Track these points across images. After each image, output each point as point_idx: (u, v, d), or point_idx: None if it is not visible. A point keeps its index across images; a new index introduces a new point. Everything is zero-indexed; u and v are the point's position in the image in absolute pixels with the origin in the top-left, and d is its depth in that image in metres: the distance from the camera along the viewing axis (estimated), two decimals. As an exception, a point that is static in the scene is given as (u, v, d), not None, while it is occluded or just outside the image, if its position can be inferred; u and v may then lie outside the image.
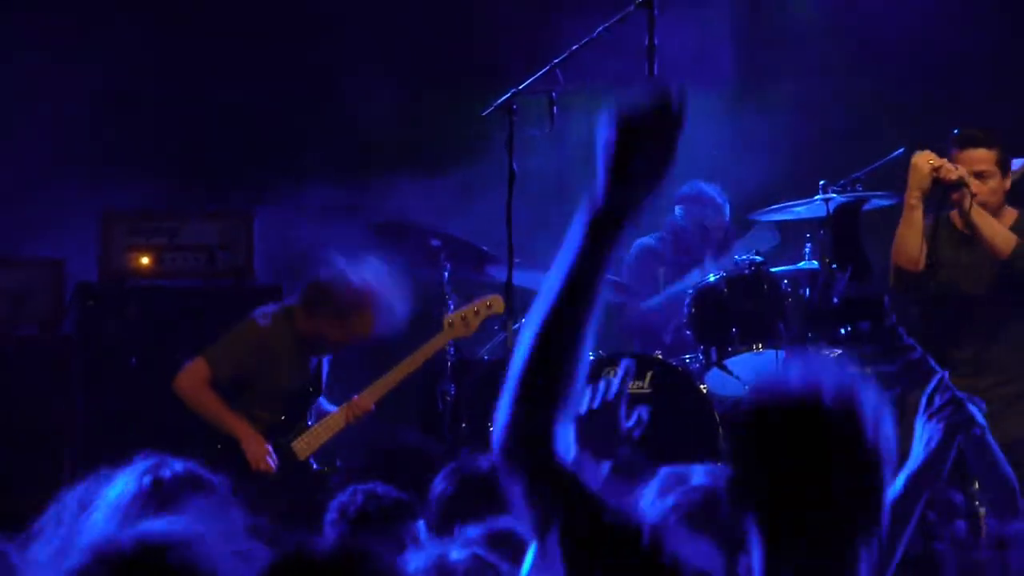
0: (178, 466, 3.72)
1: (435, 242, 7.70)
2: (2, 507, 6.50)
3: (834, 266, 7.87)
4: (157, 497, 3.56)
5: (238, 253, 8.21)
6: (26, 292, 8.21)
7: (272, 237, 8.70)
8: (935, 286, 7.21)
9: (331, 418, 7.26)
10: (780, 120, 9.68)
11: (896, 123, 9.57)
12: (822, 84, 9.93)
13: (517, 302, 7.50)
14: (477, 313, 7.59)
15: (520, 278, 7.53)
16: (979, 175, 7.00)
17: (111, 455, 4.52)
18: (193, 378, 7.06)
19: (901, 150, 7.88)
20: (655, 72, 8.59)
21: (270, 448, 6.96)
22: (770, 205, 8.40)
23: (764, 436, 2.49)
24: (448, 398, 7.64)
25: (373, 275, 7.31)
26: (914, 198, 7.01)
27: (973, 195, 7.05)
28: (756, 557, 2.52)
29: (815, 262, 8.12)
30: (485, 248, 7.87)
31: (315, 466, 7.50)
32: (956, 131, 7.28)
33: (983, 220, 7.15)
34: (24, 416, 7.90)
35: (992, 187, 7.04)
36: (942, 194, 6.99)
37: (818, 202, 7.86)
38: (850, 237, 8.27)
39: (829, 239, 8.14)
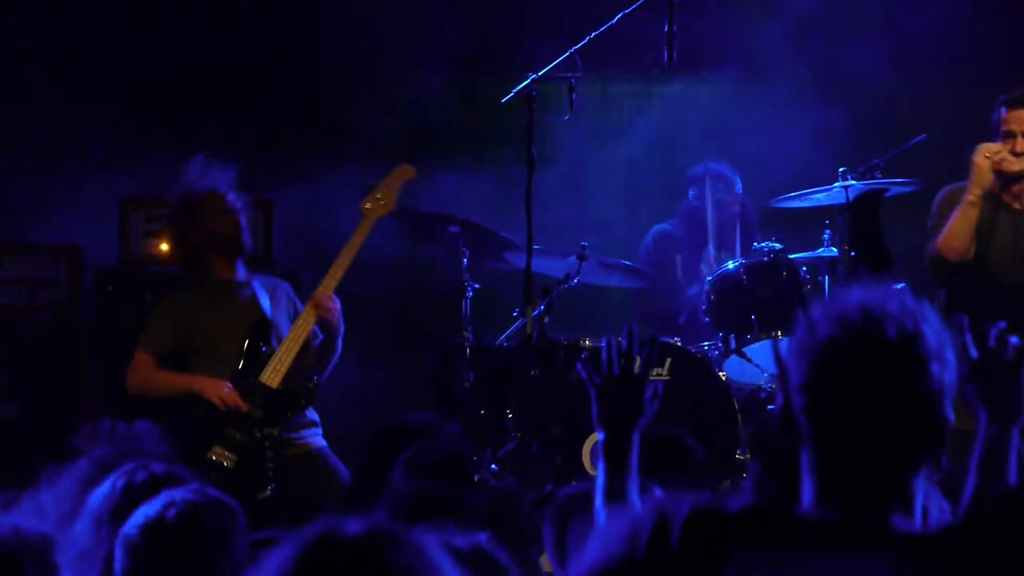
0: (157, 468, 3.81)
1: (453, 229, 7.57)
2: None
3: (853, 254, 7.89)
4: (129, 500, 3.62)
5: (257, 239, 7.92)
6: (44, 278, 8.25)
7: (295, 223, 8.75)
8: (981, 273, 7.17)
9: (294, 328, 7.14)
10: (801, 107, 9.56)
11: (921, 110, 9.49)
12: (845, 71, 9.75)
13: (536, 288, 7.56)
14: (390, 187, 7.51)
15: (539, 264, 7.56)
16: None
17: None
18: (138, 372, 7.02)
19: (923, 136, 7.95)
20: (674, 59, 8.70)
21: (228, 384, 6.84)
22: (795, 191, 8.43)
23: (829, 363, 2.50)
24: (467, 384, 7.56)
25: (187, 177, 7.21)
26: (975, 195, 7.02)
27: None
28: (808, 488, 2.56)
29: (834, 249, 8.11)
30: (504, 234, 7.81)
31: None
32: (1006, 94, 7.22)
33: None
34: (43, 402, 8.00)
35: None
36: (1004, 185, 7.01)
37: (837, 189, 7.85)
38: (870, 228, 8.15)
39: (849, 229, 8.11)
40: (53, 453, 5.15)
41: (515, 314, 7.74)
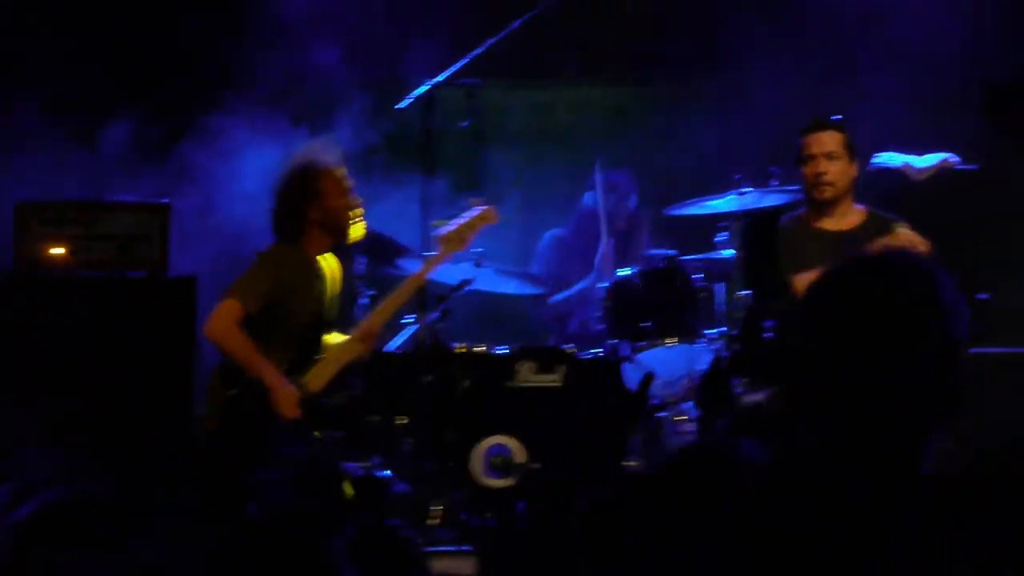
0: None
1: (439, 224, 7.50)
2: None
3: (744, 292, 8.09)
4: None
5: (152, 245, 7.90)
6: None
7: (193, 228, 8.64)
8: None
9: (340, 348, 7.13)
10: (702, 115, 9.64)
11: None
12: (746, 82, 9.55)
13: (431, 294, 7.64)
14: (471, 227, 7.45)
15: (435, 273, 7.54)
16: (827, 156, 7.17)
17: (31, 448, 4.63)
18: (225, 321, 6.83)
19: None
20: (574, 66, 8.71)
21: (295, 394, 6.79)
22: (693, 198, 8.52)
23: (845, 320, 2.64)
24: (356, 391, 7.53)
25: (293, 157, 7.21)
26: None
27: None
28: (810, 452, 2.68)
29: (731, 251, 8.16)
30: (399, 241, 7.83)
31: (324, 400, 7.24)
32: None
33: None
34: None
35: (841, 168, 7.18)
36: (819, 212, 7.25)
37: (732, 197, 7.99)
38: (762, 258, 8.09)
39: (741, 260, 8.28)
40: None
41: (409, 320, 7.83)
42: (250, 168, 8.84)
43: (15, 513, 3.46)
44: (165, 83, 9.77)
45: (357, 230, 7.18)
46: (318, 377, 6.81)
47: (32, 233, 7.83)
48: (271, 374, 6.62)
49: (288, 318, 6.87)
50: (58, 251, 7.72)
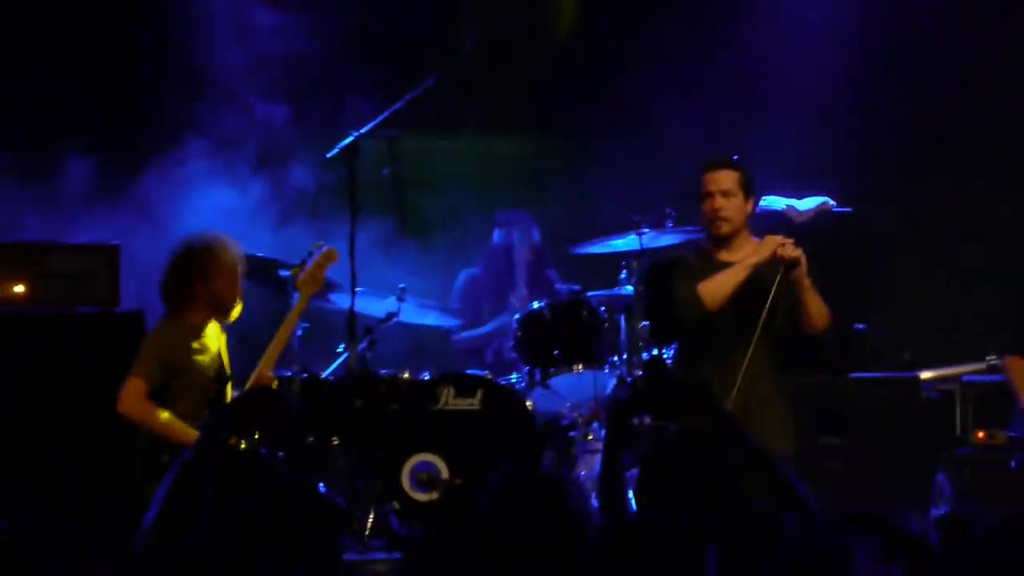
0: None
1: (284, 272, 7.91)
2: None
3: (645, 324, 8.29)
4: None
5: (103, 283, 8.22)
6: None
7: (140, 267, 8.62)
8: (719, 320, 7.41)
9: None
10: (604, 161, 10.11)
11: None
12: (653, 129, 9.93)
13: (359, 326, 8.07)
14: (320, 267, 7.76)
15: (362, 305, 8.09)
16: (724, 193, 7.34)
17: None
18: (134, 399, 7.10)
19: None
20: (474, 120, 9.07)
21: None
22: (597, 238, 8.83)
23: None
24: (295, 413, 7.80)
25: (180, 241, 7.42)
26: (752, 266, 7.34)
27: (805, 269, 7.36)
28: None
29: (629, 287, 8.54)
30: (329, 277, 7.96)
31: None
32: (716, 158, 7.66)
33: (813, 297, 7.40)
34: None
35: (736, 204, 7.36)
36: (777, 266, 7.29)
37: (632, 237, 8.35)
38: (662, 300, 7.85)
39: (642, 296, 8.38)
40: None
41: (340, 349, 8.23)
42: (201, 207, 9.25)
43: None
44: (123, 127, 9.97)
45: (237, 312, 7.53)
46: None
47: None
48: (186, 432, 6.93)
49: (189, 381, 7.15)
50: (17, 288, 8.00)
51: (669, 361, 7.79)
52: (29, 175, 9.58)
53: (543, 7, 10.84)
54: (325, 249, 7.70)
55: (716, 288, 7.25)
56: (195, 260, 7.21)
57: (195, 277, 7.18)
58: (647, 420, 7.27)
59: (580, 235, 9.02)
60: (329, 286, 8.02)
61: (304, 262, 7.72)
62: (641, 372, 7.50)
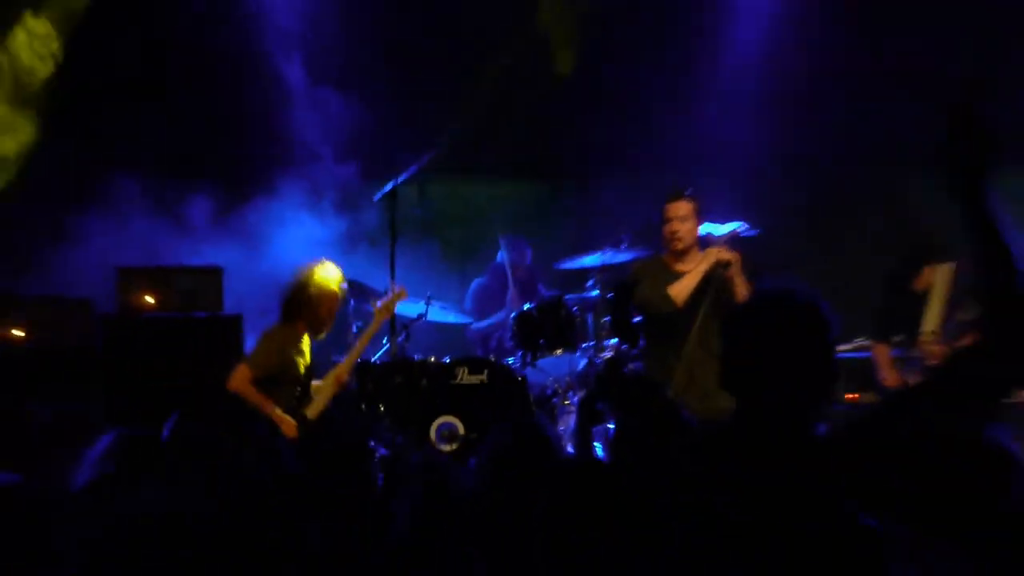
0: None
1: (343, 285, 8.20)
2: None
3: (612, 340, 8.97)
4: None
5: (211, 295, 9.19)
6: (63, 321, 9.03)
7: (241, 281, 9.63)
8: (677, 317, 7.88)
9: (323, 388, 7.97)
10: (579, 200, 11.16)
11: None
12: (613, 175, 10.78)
13: (397, 324, 8.81)
14: (392, 302, 8.27)
15: (399, 308, 8.66)
16: (680, 219, 7.90)
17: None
18: (239, 381, 7.71)
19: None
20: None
21: (294, 422, 7.63)
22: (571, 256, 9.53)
23: (756, 325, 3.29)
24: (351, 389, 8.43)
25: (304, 268, 7.93)
26: (704, 271, 7.81)
27: (738, 267, 7.82)
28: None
29: (596, 292, 9.29)
30: (377, 287, 8.78)
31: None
32: (674, 189, 8.05)
33: (742, 286, 7.85)
34: (77, 406, 8.47)
35: (689, 227, 7.93)
36: (718, 269, 7.78)
37: (597, 255, 9.12)
38: (623, 315, 7.73)
39: (610, 315, 8.64)
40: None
41: (384, 341, 8.94)
42: (289, 237, 10.28)
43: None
44: (233, 174, 10.78)
45: (323, 335, 8.01)
46: (313, 409, 7.76)
47: (130, 288, 9.05)
48: (274, 412, 7.54)
49: (286, 375, 7.75)
50: (148, 300, 9.06)
51: (636, 351, 8.28)
52: (162, 212, 10.39)
53: (538, 81, 11.09)
54: (398, 289, 8.30)
55: (681, 290, 7.75)
56: (310, 291, 7.85)
57: (307, 304, 7.84)
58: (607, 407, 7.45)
59: (562, 254, 9.75)
60: (375, 294, 8.59)
61: (385, 292, 8.37)
62: (603, 369, 8.01)
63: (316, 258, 8.21)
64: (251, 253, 10.14)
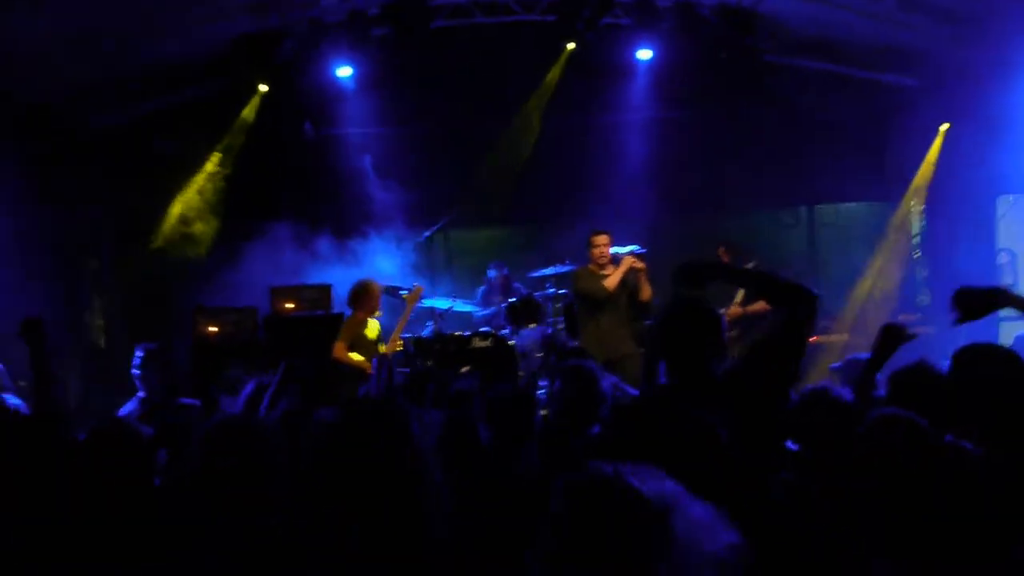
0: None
1: (402, 291, 9.27)
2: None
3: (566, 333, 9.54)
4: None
5: (325, 301, 10.01)
6: (239, 321, 9.82)
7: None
8: (605, 301, 8.77)
9: (387, 348, 8.64)
10: (547, 237, 11.20)
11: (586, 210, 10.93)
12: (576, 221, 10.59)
13: (435, 312, 9.97)
14: (415, 295, 9.09)
15: (435, 303, 9.95)
16: (604, 245, 8.79)
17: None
18: (339, 350, 8.58)
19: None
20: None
21: (368, 363, 8.31)
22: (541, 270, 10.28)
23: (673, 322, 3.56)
24: (410, 349, 9.39)
25: (357, 281, 8.81)
26: (623, 272, 8.61)
27: (643, 272, 8.61)
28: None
29: (552, 289, 10.26)
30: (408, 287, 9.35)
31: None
32: (595, 228, 8.94)
33: (646, 285, 8.61)
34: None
35: (607, 250, 8.85)
36: (629, 272, 8.60)
37: (552, 268, 10.18)
38: (570, 319, 9.78)
39: (563, 317, 10.07)
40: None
41: (429, 323, 10.12)
42: (367, 261, 11.02)
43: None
44: (338, 224, 11.47)
45: (376, 315, 8.63)
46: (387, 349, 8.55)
47: (277, 299, 10.01)
48: (363, 366, 8.28)
49: (362, 344, 8.63)
50: (290, 305, 10.03)
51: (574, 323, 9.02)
52: (299, 248, 11.04)
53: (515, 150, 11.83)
54: (418, 286, 9.33)
55: (611, 283, 8.70)
56: (361, 292, 8.88)
57: (360, 300, 8.86)
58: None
59: (531, 267, 10.71)
60: (421, 298, 9.55)
61: (410, 289, 9.30)
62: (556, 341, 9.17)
63: (368, 276, 9.19)
64: (349, 273, 10.44)
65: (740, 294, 9.77)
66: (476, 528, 3.42)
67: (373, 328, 8.85)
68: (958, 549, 2.82)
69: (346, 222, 11.43)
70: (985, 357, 3.34)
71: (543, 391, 7.81)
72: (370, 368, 8.03)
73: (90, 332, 10.92)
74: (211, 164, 11.37)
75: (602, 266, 8.82)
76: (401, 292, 9.35)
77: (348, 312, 9.17)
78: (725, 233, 10.62)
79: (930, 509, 2.88)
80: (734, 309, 9.77)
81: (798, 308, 3.54)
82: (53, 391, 4.70)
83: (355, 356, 8.59)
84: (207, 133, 11.18)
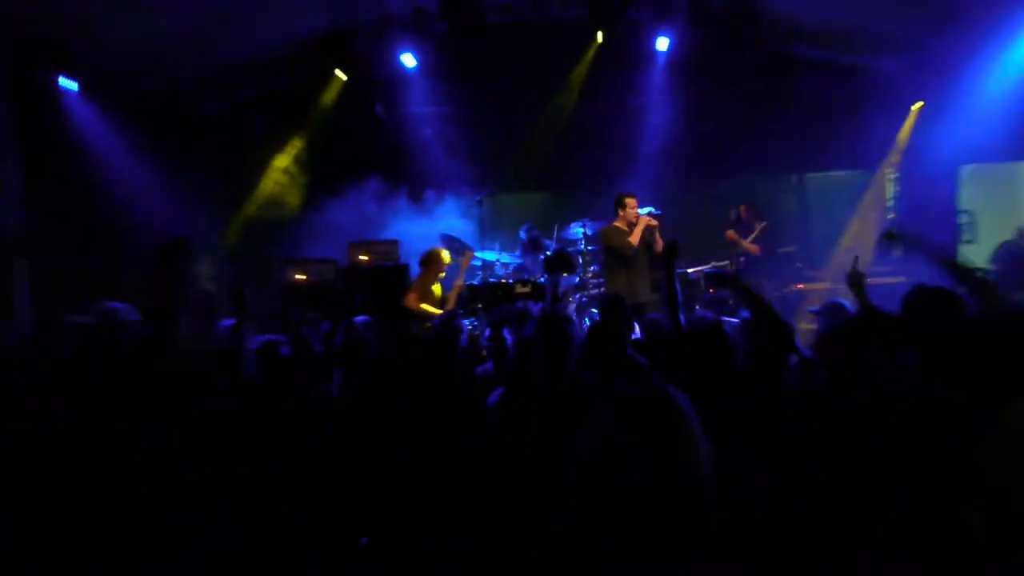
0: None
1: (447, 253, 8.77)
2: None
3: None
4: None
5: (393, 254, 9.95)
6: (323, 272, 9.59)
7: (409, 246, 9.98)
8: (632, 255, 8.31)
9: (450, 297, 8.46)
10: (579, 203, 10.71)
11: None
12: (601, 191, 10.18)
13: (486, 264, 9.82)
14: (468, 257, 8.88)
15: (486, 256, 9.82)
16: (634, 207, 8.38)
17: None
18: (412, 299, 8.26)
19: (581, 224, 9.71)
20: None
21: (437, 310, 8.12)
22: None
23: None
24: (463, 297, 9.03)
25: (429, 248, 8.56)
26: (643, 229, 8.23)
27: (658, 229, 8.28)
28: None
29: (581, 245, 9.72)
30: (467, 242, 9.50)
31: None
32: (623, 191, 8.55)
33: (659, 239, 8.17)
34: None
35: (636, 211, 8.44)
36: (647, 229, 8.22)
37: (580, 224, 9.74)
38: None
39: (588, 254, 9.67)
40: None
41: (479, 273, 9.80)
42: (435, 220, 10.96)
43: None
44: (411, 186, 11.43)
45: (440, 276, 8.26)
46: (448, 305, 8.28)
47: (355, 252, 9.89)
48: (428, 310, 8.06)
49: (431, 298, 8.30)
50: (364, 257, 9.87)
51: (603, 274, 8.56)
52: (374, 206, 11.07)
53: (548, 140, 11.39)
54: (469, 251, 9.17)
55: (635, 238, 8.32)
56: (432, 258, 8.58)
57: (430, 263, 8.53)
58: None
59: (563, 224, 10.43)
60: (473, 256, 9.30)
61: (463, 252, 9.15)
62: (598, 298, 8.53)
63: (436, 243, 9.13)
64: (416, 227, 10.78)
65: (754, 233, 9.87)
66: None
67: (437, 286, 8.61)
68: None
69: (413, 186, 11.41)
70: (926, 298, 3.28)
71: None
72: (434, 315, 8.05)
73: (201, 280, 10.49)
74: (297, 141, 11.19)
75: (630, 224, 8.45)
76: (456, 253, 9.21)
77: (415, 267, 9.01)
78: (727, 196, 10.77)
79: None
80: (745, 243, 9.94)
81: (773, 337, 3.49)
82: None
83: (425, 306, 8.36)
84: (293, 115, 11.06)
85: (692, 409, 2.11)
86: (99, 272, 7.68)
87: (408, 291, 8.35)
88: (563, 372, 3.51)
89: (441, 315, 6.30)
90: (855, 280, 4.48)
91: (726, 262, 10.06)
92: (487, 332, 5.28)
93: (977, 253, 9.95)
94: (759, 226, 10.15)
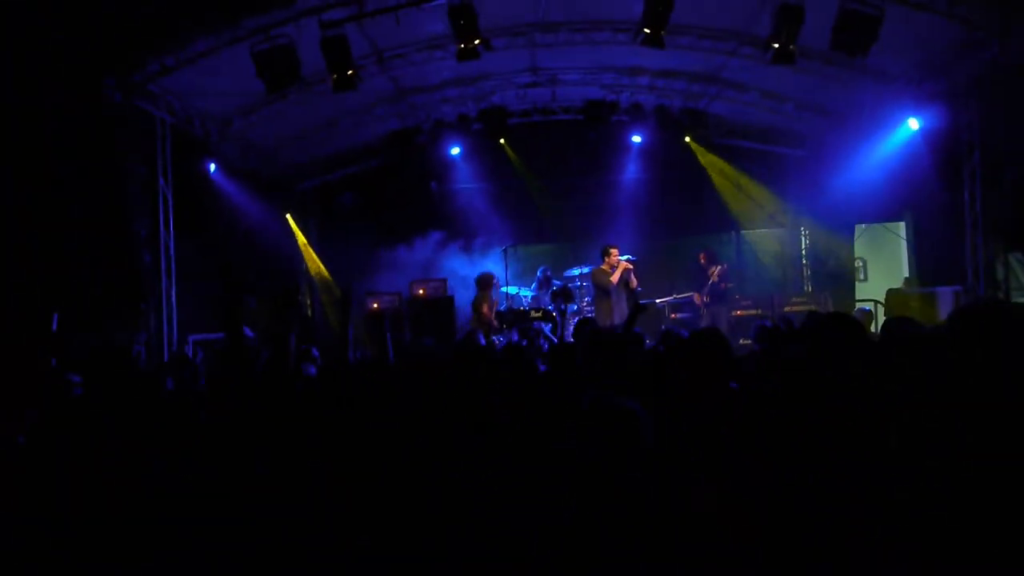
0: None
1: (496, 279, 9.13)
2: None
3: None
4: None
5: (443, 289, 10.04)
6: (392, 302, 9.86)
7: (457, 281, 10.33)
8: (613, 290, 8.28)
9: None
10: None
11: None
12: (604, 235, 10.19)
13: (510, 297, 9.92)
14: (614, 264, 8.28)
15: (506, 289, 9.78)
16: (616, 255, 8.34)
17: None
18: (476, 311, 8.87)
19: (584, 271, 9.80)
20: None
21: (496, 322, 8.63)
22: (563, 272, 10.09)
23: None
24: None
25: (481, 273, 9.03)
26: (621, 271, 8.23)
27: (632, 271, 8.33)
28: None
29: (578, 283, 9.95)
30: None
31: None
32: (607, 243, 8.59)
33: (632, 278, 8.28)
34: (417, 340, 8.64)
35: (617, 259, 8.40)
36: (624, 271, 8.25)
37: (577, 268, 9.99)
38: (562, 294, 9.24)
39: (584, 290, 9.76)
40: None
41: (504, 303, 9.80)
42: (469, 265, 11.20)
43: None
44: (457, 238, 11.54)
45: (488, 294, 8.60)
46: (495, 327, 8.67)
47: (414, 287, 9.91)
48: (492, 323, 8.54)
49: (490, 311, 8.81)
50: (421, 292, 9.89)
51: (592, 306, 8.61)
52: (428, 253, 11.29)
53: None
54: (496, 299, 9.15)
55: (615, 279, 8.32)
56: (486, 281, 9.14)
57: (485, 284, 9.11)
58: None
59: (566, 267, 10.52)
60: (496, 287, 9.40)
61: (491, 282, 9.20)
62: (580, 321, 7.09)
63: (483, 271, 9.50)
64: (461, 268, 11.14)
65: (714, 272, 9.80)
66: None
67: (490, 302, 9.23)
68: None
69: (458, 238, 11.68)
70: (830, 324, 2.78)
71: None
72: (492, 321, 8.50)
73: (304, 308, 11.55)
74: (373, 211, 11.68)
75: (612, 267, 8.71)
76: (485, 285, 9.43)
77: (459, 297, 9.72)
78: (684, 247, 11.12)
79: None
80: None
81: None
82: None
83: (485, 318, 8.94)
84: (372, 191, 11.66)
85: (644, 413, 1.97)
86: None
87: (479, 305, 8.93)
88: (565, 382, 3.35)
89: (464, 335, 6.20)
90: (635, 307, 4.29)
91: (686, 294, 10.37)
92: (503, 341, 5.62)
93: (868, 291, 10.52)
94: (714, 269, 10.05)
